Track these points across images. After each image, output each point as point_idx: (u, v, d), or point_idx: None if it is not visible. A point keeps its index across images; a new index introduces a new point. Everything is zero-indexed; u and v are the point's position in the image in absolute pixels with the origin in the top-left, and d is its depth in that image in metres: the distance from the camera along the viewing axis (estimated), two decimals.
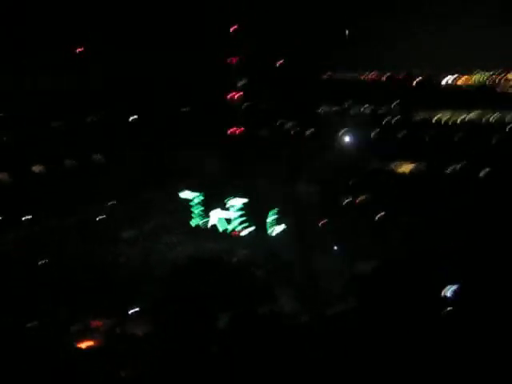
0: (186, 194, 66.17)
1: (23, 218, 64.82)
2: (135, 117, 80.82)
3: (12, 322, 44.37)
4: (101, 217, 67.27)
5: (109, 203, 69.71)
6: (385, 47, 78.11)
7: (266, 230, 62.21)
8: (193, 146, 72.19)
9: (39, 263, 55.54)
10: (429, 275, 47.56)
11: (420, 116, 78.34)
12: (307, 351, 39.51)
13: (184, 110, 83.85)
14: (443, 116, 77.00)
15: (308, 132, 78.66)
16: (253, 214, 63.30)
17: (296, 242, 59.00)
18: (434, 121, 77.63)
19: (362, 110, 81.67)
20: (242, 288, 50.96)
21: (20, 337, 42.96)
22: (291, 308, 48.34)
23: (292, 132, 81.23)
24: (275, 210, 61.99)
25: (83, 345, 43.73)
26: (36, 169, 75.07)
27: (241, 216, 63.29)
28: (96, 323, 46.53)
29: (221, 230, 64.41)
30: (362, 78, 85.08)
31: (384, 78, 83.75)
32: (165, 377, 38.27)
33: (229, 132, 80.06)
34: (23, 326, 44.46)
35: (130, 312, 47.50)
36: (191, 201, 65.90)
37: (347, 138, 76.76)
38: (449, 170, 68.85)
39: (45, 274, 53.93)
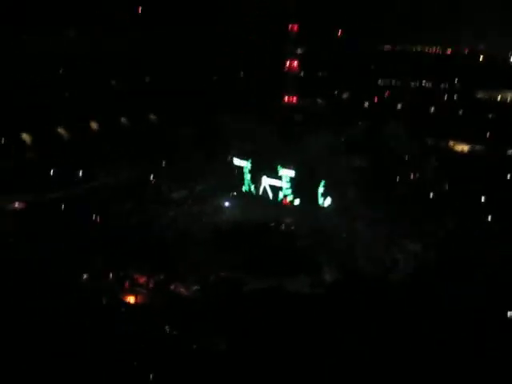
0: (237, 160, 66.37)
1: (80, 174, 66.57)
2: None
3: (64, 274, 45.82)
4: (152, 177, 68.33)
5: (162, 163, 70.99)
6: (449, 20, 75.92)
7: (314, 201, 61.91)
8: (246, 112, 72.01)
9: (92, 219, 56.95)
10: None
11: (482, 94, 76.12)
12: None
13: (239, 75, 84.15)
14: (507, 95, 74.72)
15: (366, 104, 77.75)
16: (302, 184, 62.97)
17: (342, 214, 58.45)
18: (496, 100, 75.40)
19: (421, 84, 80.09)
20: (286, 255, 51.23)
21: (72, 289, 44.57)
22: (332, 278, 48.53)
23: (348, 102, 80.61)
24: (324, 182, 61.50)
25: (130, 299, 44.97)
26: (93, 125, 76.90)
27: (291, 186, 63.16)
28: (143, 279, 47.50)
29: (271, 197, 64.59)
30: (426, 50, 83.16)
31: (448, 52, 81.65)
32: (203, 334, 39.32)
33: (284, 100, 79.86)
34: (76, 279, 46.06)
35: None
36: (242, 167, 66.12)
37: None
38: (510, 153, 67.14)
39: (97, 229, 55.13)
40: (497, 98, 76.79)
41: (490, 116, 73.40)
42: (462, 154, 70.90)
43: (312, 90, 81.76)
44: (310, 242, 54.27)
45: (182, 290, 46.58)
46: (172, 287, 46.75)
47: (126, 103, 77.47)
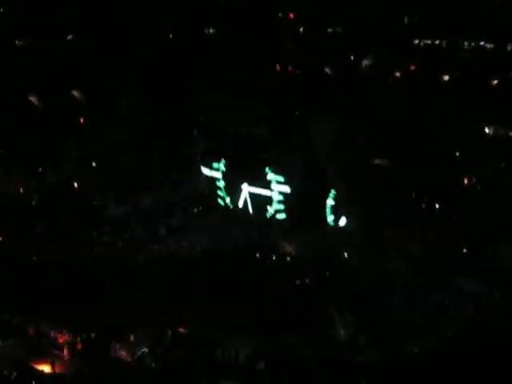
0: (206, 162, 66.40)
1: None
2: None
3: None
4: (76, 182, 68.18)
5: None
6: None
7: (321, 220, 61.95)
8: (220, 90, 72.17)
9: None
10: None
11: None
12: None
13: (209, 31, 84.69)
14: None
15: (396, 74, 77.89)
16: (303, 194, 63.05)
17: (365, 239, 58.50)
18: None
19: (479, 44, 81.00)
20: (280, 301, 51.05)
21: None
22: (348, 336, 48.17)
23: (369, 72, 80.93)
24: (333, 193, 61.49)
25: (44, 367, 44.74)
26: None
27: (285, 198, 63.14)
28: (63, 338, 47.32)
29: (253, 213, 64.58)
30: None
31: None
32: None
33: (276, 70, 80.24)
34: None
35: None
36: (213, 169, 66.12)
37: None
38: None
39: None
40: None
41: None
42: None
43: (316, 53, 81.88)
44: (317, 282, 54.23)
45: (123, 353, 46.16)
46: (108, 350, 46.38)
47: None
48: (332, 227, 61.94)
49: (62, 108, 78.20)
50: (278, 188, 62.79)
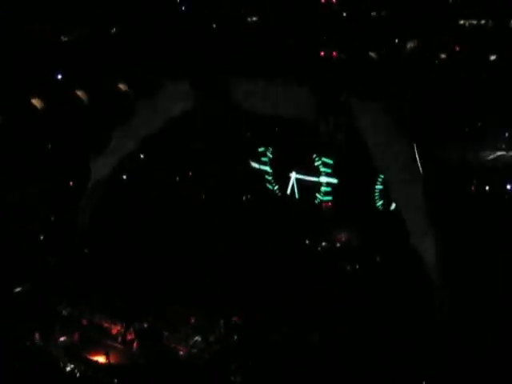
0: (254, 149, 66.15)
1: None
2: None
3: None
4: None
5: None
6: None
7: (371, 204, 61.41)
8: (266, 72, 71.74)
9: None
10: None
11: None
12: None
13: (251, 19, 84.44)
14: None
15: (442, 56, 77.02)
16: (350, 180, 62.52)
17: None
18: None
19: None
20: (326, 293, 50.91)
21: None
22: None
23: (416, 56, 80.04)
24: (381, 177, 60.75)
25: (99, 358, 45.03)
26: None
27: (333, 182, 62.70)
28: (116, 328, 47.83)
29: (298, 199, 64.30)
30: None
31: None
32: None
33: (319, 54, 79.63)
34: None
35: None
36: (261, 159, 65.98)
37: None
38: None
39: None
40: None
41: None
42: None
43: (360, 36, 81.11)
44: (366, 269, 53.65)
45: (177, 343, 46.30)
46: (161, 340, 46.59)
47: None
48: (382, 212, 61.21)
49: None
50: (326, 175, 62.46)
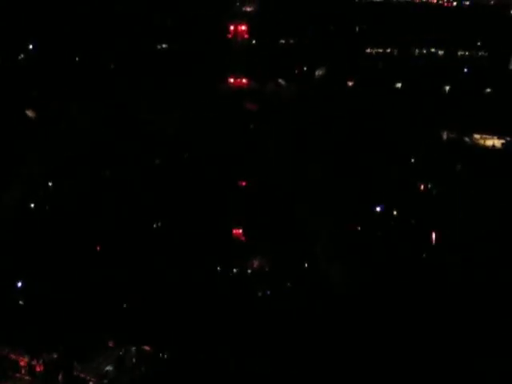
0: None
1: None
2: None
3: None
4: None
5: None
6: None
7: (283, 231, 61.90)
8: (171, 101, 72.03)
9: None
10: None
11: None
12: None
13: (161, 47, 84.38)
14: None
15: (350, 83, 78.14)
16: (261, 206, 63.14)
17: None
18: None
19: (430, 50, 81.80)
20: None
21: None
22: None
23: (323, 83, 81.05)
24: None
25: None
26: None
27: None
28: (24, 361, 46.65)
29: None
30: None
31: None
32: None
33: (228, 82, 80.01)
34: None
35: None
36: None
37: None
38: None
39: None
40: None
41: None
42: (494, 151, 72.12)
43: (269, 66, 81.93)
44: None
45: (86, 373, 45.57)
46: (70, 371, 45.73)
47: None
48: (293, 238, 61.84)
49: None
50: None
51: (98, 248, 60.88)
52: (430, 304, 50.81)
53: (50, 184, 68.51)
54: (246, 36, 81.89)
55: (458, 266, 55.72)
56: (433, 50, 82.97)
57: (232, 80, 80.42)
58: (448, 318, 49.34)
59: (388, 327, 48.38)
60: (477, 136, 73.70)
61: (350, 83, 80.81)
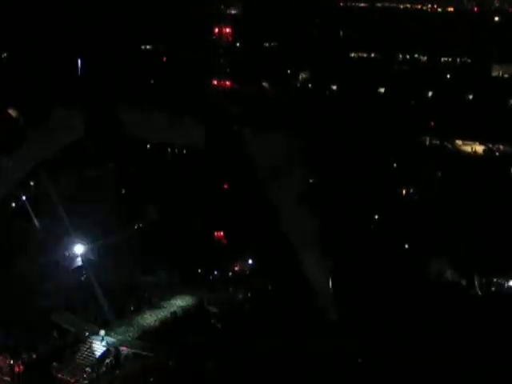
0: None
1: None
2: None
3: None
4: None
5: None
6: None
7: (265, 234, 62.04)
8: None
9: None
10: None
11: (499, 70, 78.43)
12: None
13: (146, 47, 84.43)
14: None
15: (333, 87, 78.36)
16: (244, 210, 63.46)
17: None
18: None
19: (413, 56, 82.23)
20: None
21: None
22: None
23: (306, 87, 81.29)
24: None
25: None
26: None
27: None
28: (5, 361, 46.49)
29: None
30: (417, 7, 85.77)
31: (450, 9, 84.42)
32: None
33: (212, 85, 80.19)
34: None
35: None
36: None
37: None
38: None
39: None
40: None
41: None
42: (475, 157, 72.57)
43: (254, 68, 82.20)
44: None
45: (65, 375, 45.63)
46: (54, 371, 45.84)
47: None
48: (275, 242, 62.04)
49: None
50: None
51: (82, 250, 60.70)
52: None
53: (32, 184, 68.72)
54: (230, 38, 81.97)
55: (441, 273, 56.38)
56: (416, 55, 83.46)
57: (216, 82, 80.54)
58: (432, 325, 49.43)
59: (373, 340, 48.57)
60: (459, 142, 74.26)
61: (334, 87, 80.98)
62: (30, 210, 64.79)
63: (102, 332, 48.89)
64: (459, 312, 50.17)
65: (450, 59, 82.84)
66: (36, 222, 64.05)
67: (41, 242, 60.76)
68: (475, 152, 73.59)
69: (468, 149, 74.02)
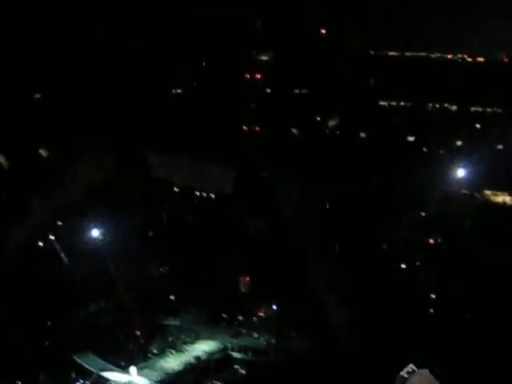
0: None
1: None
2: None
3: None
4: None
5: None
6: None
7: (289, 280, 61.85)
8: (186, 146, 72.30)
9: None
10: None
11: None
12: None
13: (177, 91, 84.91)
14: None
15: (363, 135, 78.43)
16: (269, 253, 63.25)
17: None
18: None
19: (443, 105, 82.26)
20: None
21: None
22: None
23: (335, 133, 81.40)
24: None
25: None
26: None
27: None
28: None
29: None
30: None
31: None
32: None
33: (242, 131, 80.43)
34: None
35: None
36: None
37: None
38: None
39: None
40: None
41: None
42: (505, 208, 72.22)
43: (283, 114, 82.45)
44: None
45: None
46: None
47: None
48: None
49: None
50: None
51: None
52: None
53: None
54: (260, 84, 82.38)
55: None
56: (446, 104, 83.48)
57: (245, 128, 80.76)
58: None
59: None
60: (487, 192, 73.89)
61: (363, 135, 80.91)
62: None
63: (125, 377, 49.01)
64: None
65: (480, 109, 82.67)
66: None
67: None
68: (505, 203, 73.25)
69: (499, 199, 73.63)
